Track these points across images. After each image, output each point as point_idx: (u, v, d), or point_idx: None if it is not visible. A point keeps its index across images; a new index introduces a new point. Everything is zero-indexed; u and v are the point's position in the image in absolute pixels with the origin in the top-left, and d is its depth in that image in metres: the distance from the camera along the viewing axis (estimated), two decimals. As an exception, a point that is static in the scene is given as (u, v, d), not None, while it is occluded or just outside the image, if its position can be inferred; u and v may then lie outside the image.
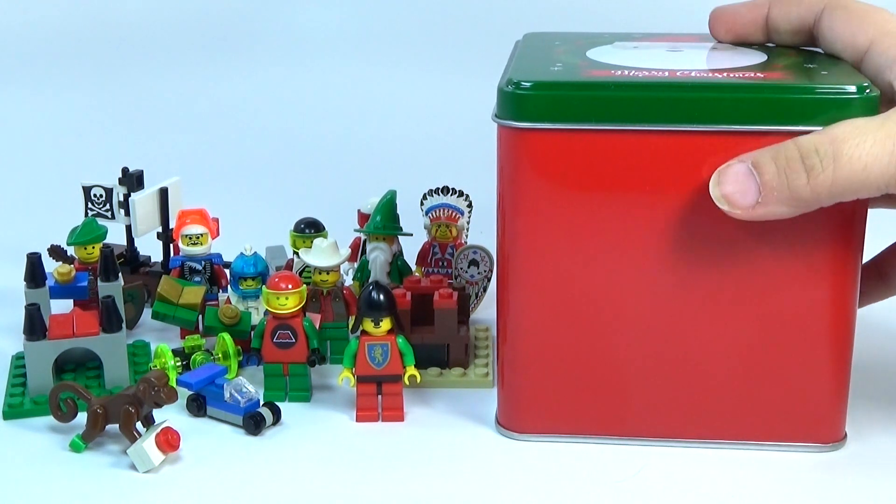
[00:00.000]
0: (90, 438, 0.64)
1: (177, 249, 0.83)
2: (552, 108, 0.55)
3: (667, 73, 0.57)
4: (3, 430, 0.67)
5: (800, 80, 0.57)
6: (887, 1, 0.62)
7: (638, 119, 0.55)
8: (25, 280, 0.75)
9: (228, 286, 0.80)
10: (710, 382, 0.60)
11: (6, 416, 0.68)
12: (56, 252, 0.83)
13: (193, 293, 0.77)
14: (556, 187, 0.57)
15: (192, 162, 1.10)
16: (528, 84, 0.56)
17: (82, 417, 0.65)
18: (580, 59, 0.61)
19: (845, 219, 0.57)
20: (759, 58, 0.62)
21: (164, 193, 0.83)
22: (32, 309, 0.69)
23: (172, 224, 0.83)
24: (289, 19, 1.30)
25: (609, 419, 0.62)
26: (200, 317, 0.77)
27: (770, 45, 0.65)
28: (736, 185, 0.54)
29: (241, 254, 0.78)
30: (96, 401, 0.64)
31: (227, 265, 0.80)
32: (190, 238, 0.80)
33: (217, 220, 0.83)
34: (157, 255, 0.86)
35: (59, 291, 0.78)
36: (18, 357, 0.74)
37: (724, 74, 0.57)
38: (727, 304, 0.59)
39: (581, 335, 0.60)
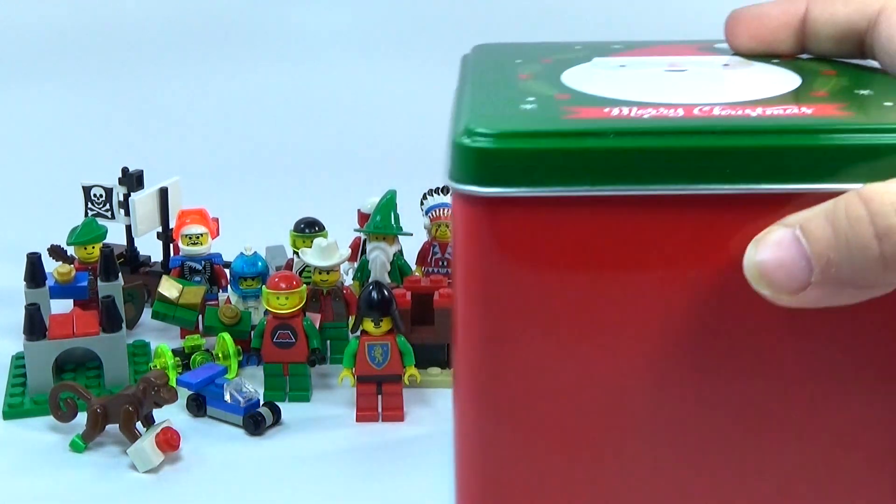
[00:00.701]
0: (90, 438, 0.64)
1: (177, 249, 0.83)
2: (530, 169, 0.40)
3: (681, 111, 0.42)
4: (3, 430, 0.67)
5: (863, 115, 0.42)
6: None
7: (649, 179, 0.40)
8: (25, 280, 0.75)
9: (228, 286, 0.80)
10: None
11: (6, 416, 0.68)
12: (56, 252, 0.83)
13: (193, 293, 0.77)
14: (536, 273, 0.41)
15: (192, 162, 1.10)
16: (492, 135, 0.39)
17: (82, 417, 0.65)
18: (556, 89, 0.46)
19: None
20: (791, 80, 0.47)
21: (164, 193, 0.83)
22: (32, 309, 0.69)
23: (172, 224, 0.83)
24: (289, 19, 1.30)
25: None
26: (200, 317, 0.77)
27: (801, 56, 0.51)
28: (779, 260, 0.38)
29: (241, 254, 0.78)
30: (96, 401, 0.64)
31: (227, 265, 0.80)
32: (190, 238, 0.80)
33: (217, 220, 0.83)
34: (157, 255, 0.85)
35: (59, 291, 0.78)
36: (18, 357, 0.74)
37: (760, 111, 0.42)
38: (766, 425, 0.42)
39: (565, 459, 0.44)
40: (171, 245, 0.84)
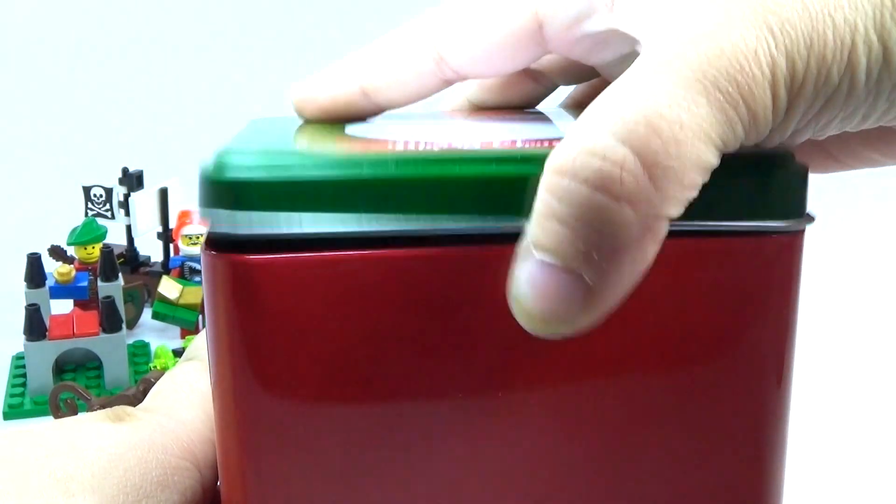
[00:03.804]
0: (90, 438, 0.64)
1: (177, 249, 0.83)
2: (302, 197, 0.29)
3: (478, 145, 0.33)
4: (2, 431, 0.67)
5: None
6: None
7: (452, 209, 0.30)
8: (25, 280, 0.75)
9: (228, 286, 0.80)
10: None
11: (6, 416, 0.68)
12: (56, 252, 0.83)
13: (193, 293, 0.77)
14: (296, 335, 0.28)
15: (192, 162, 1.10)
16: (249, 164, 0.28)
17: (82, 417, 0.65)
18: (337, 134, 0.36)
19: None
20: None
21: (164, 193, 0.83)
22: (32, 309, 0.69)
23: (172, 224, 0.83)
24: (289, 18, 1.30)
25: None
26: (200, 317, 0.77)
27: None
28: (543, 295, 0.28)
29: (241, 254, 0.78)
30: (96, 401, 0.64)
31: (228, 265, 0.80)
32: (190, 238, 0.80)
33: (217, 220, 0.83)
34: (157, 255, 0.86)
35: (59, 291, 0.78)
36: (18, 357, 0.74)
37: (524, 143, 0.33)
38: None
39: None
40: (171, 245, 0.85)
